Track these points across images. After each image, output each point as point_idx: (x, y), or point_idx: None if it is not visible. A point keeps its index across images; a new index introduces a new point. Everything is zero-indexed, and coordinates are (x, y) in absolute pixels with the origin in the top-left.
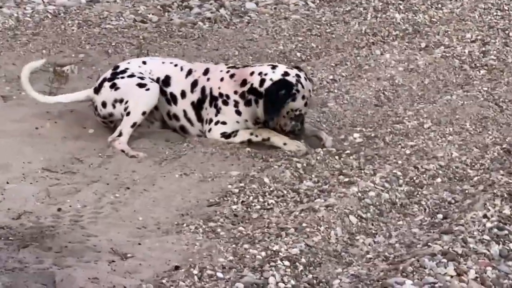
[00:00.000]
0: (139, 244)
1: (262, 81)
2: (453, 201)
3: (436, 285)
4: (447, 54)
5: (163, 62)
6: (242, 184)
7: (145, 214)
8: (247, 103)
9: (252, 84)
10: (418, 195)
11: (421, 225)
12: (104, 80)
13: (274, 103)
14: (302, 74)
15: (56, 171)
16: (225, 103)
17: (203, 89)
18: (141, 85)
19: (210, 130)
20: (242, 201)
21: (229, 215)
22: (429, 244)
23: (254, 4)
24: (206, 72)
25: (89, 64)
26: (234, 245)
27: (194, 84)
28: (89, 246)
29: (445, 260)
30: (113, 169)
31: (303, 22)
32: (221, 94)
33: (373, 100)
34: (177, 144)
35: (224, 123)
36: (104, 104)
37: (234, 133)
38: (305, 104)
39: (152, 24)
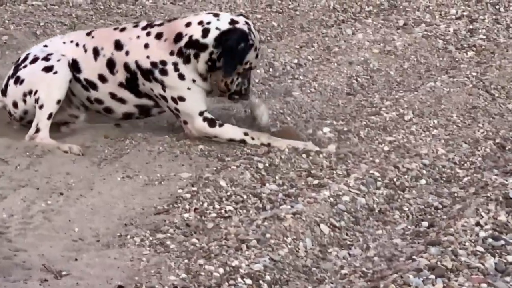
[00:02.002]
0: (76, 259)
1: (206, 31)
2: (440, 206)
3: None
4: (429, 33)
5: (64, 42)
6: (194, 188)
7: (82, 224)
8: (186, 60)
9: (191, 37)
10: (399, 200)
11: (403, 235)
12: (9, 78)
13: (232, 57)
14: (249, 21)
15: None
16: (164, 72)
17: (126, 67)
18: (47, 69)
19: (178, 110)
20: (195, 208)
21: (180, 224)
22: (413, 257)
23: None
24: (117, 45)
25: (14, 47)
26: (186, 261)
27: (111, 64)
28: (17, 262)
29: (433, 276)
30: (44, 171)
31: None
32: (154, 64)
33: (345, 88)
34: (118, 141)
35: (181, 98)
36: (15, 104)
37: (219, 121)
38: (256, 56)
39: (87, 0)
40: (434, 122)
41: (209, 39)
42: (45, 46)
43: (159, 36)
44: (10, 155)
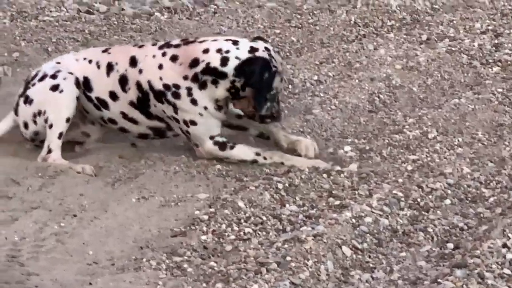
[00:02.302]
0: (90, 284)
1: (225, 60)
2: (465, 227)
3: None
4: (453, 48)
5: (76, 60)
6: (212, 210)
7: (96, 247)
8: (202, 86)
9: (208, 64)
10: (423, 221)
11: (428, 257)
12: (19, 97)
13: (262, 90)
14: (269, 46)
15: None
16: (177, 95)
17: (139, 85)
18: (54, 88)
19: (188, 132)
20: (213, 230)
21: (198, 247)
22: (438, 280)
23: None
24: (133, 62)
25: (25, 64)
26: (204, 285)
27: (123, 81)
28: (30, 287)
29: None
30: (57, 192)
31: (280, 11)
32: (166, 86)
33: (367, 105)
34: (133, 161)
35: (193, 122)
36: (26, 125)
37: (231, 143)
38: (281, 80)
39: (100, 15)
40: (458, 140)
41: (229, 68)
42: (58, 63)
43: (174, 58)
44: (22, 176)
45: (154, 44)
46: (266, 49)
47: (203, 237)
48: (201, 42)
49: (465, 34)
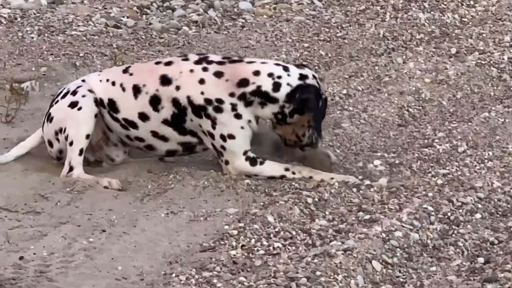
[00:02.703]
0: None
1: (277, 85)
2: (496, 242)
3: None
4: (483, 62)
5: (100, 80)
6: (241, 224)
7: (125, 263)
8: (248, 104)
9: (260, 87)
10: (454, 235)
11: (458, 271)
12: (45, 114)
13: (319, 119)
14: (315, 73)
15: (16, 211)
16: (218, 110)
17: (175, 102)
18: (73, 105)
19: (224, 148)
20: (242, 245)
21: (227, 262)
22: None
23: (249, 3)
24: (166, 81)
25: (53, 79)
26: None
27: (155, 101)
28: None
29: None
30: (85, 207)
31: (309, 24)
32: (208, 101)
33: (396, 119)
34: (161, 176)
35: (231, 136)
36: (50, 144)
37: (260, 160)
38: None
39: (128, 29)
40: (489, 154)
41: (280, 94)
42: (83, 81)
43: (218, 74)
44: (50, 191)
45: (185, 59)
46: (314, 76)
47: (233, 252)
48: (249, 62)
49: (495, 47)
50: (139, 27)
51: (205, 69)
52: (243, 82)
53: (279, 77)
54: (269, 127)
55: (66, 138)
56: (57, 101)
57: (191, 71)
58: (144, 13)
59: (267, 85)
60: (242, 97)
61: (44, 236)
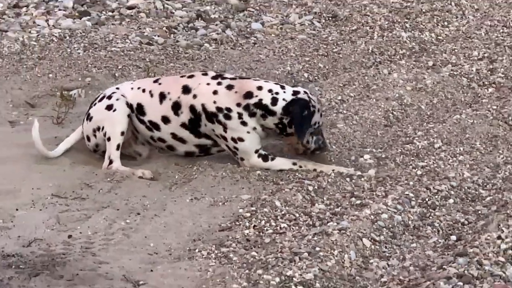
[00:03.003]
0: (151, 270)
1: (275, 100)
2: (466, 222)
3: None
4: (455, 73)
5: (131, 88)
6: (253, 208)
7: (156, 240)
8: (252, 115)
9: (261, 100)
10: (431, 217)
11: (435, 247)
12: (84, 117)
13: (301, 125)
14: (306, 90)
15: (65, 197)
16: (228, 117)
17: (192, 108)
18: (109, 107)
19: (237, 148)
20: (254, 226)
21: (242, 240)
22: (444, 267)
23: (260, 24)
24: (185, 90)
25: (96, 87)
26: (247, 271)
27: (176, 106)
28: (101, 273)
29: (460, 283)
30: (123, 194)
31: (310, 42)
32: (219, 109)
33: (382, 120)
34: (186, 168)
35: (241, 139)
36: (88, 138)
37: (271, 156)
38: (321, 116)
39: (158, 46)
40: (460, 149)
41: (278, 108)
42: (117, 88)
43: (229, 87)
44: (94, 180)
45: (204, 74)
46: (305, 92)
47: (246, 231)
48: (255, 80)
49: (465, 60)
50: (168, 44)
51: (219, 84)
52: (249, 95)
53: (277, 93)
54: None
55: (105, 135)
56: (95, 103)
57: (208, 84)
58: (172, 32)
59: (267, 99)
60: (246, 107)
61: (89, 218)
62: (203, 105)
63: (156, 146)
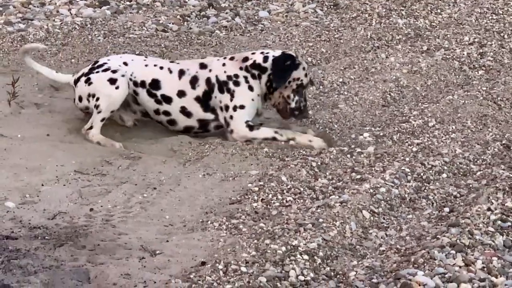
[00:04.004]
0: (167, 241)
1: (266, 58)
2: (458, 195)
3: (446, 275)
4: (447, 56)
5: (146, 65)
6: (261, 183)
7: (171, 213)
8: (254, 77)
9: (255, 61)
10: (425, 190)
11: (429, 219)
12: (82, 74)
13: (281, 71)
14: (296, 53)
15: (87, 173)
16: (237, 83)
17: (208, 80)
18: (112, 81)
19: (232, 117)
20: (262, 199)
21: (250, 212)
22: (438, 236)
23: (267, 12)
24: (202, 66)
25: None
26: (256, 241)
27: (194, 80)
28: (120, 244)
29: (453, 252)
30: (141, 170)
31: (313, 28)
32: (229, 77)
33: (381, 101)
34: (199, 145)
35: (242, 106)
36: (80, 99)
37: (257, 126)
38: (306, 75)
39: (173, 33)
40: (452, 128)
41: (268, 63)
42: (125, 64)
43: (232, 58)
44: (114, 158)
45: (216, 57)
46: (294, 53)
47: (254, 204)
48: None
49: (457, 45)
50: (182, 31)
51: (224, 58)
52: (245, 59)
53: (267, 53)
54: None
55: (96, 106)
56: (98, 71)
57: (218, 60)
58: (186, 20)
59: (259, 59)
60: (247, 69)
61: (109, 192)
62: (216, 76)
63: (155, 119)
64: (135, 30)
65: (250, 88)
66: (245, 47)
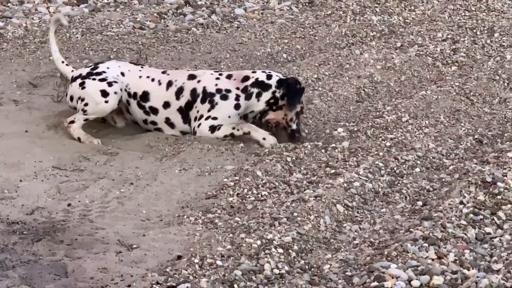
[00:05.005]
0: (144, 235)
1: (269, 76)
2: (431, 189)
3: (419, 268)
4: (421, 53)
5: (140, 77)
6: (237, 178)
7: (148, 208)
8: (248, 97)
9: (257, 78)
10: (399, 184)
11: (402, 212)
12: (79, 76)
13: (296, 92)
14: None
15: (65, 169)
16: (225, 97)
17: (193, 91)
18: (104, 94)
19: (199, 125)
20: (238, 194)
21: (226, 206)
22: (411, 229)
23: (243, 10)
24: (191, 77)
25: None
26: (231, 235)
27: (180, 91)
28: (98, 238)
29: (426, 245)
30: (118, 166)
31: (288, 25)
32: (219, 90)
33: (355, 96)
34: (175, 141)
35: (214, 118)
36: (71, 98)
37: (218, 126)
38: (302, 102)
39: (150, 30)
40: (425, 123)
41: (272, 81)
42: (122, 74)
43: (229, 76)
44: (91, 153)
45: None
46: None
47: (230, 199)
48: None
49: (430, 41)
50: (159, 28)
51: (220, 74)
52: (246, 78)
53: (270, 72)
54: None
55: (83, 109)
56: (94, 78)
57: (211, 74)
58: (163, 18)
59: (262, 76)
60: (244, 89)
61: (86, 188)
62: (204, 88)
63: (145, 128)
64: (112, 27)
65: (236, 107)
66: (221, 44)
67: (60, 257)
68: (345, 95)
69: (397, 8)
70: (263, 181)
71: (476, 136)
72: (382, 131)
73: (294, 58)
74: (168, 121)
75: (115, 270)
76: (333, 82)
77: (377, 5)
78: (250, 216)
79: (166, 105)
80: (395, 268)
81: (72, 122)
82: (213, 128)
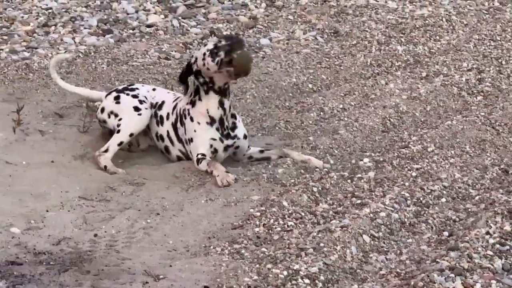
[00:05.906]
0: (170, 266)
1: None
2: (457, 219)
3: None
4: (446, 82)
5: (168, 92)
6: (263, 208)
7: (175, 238)
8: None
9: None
10: (425, 215)
11: (429, 242)
12: (115, 90)
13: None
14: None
15: (91, 199)
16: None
17: (175, 108)
18: (136, 109)
19: (191, 152)
20: (264, 224)
21: (252, 237)
22: (437, 260)
23: (268, 40)
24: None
25: None
26: (258, 265)
27: (175, 106)
28: (124, 268)
29: (452, 275)
30: (144, 196)
31: (313, 55)
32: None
33: (380, 126)
34: (201, 171)
35: (191, 139)
36: (102, 110)
37: (200, 160)
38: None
39: (175, 60)
40: (451, 153)
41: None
42: (154, 89)
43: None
44: (117, 184)
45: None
46: None
47: (256, 229)
48: None
49: (455, 71)
50: (184, 58)
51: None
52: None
53: None
54: None
55: (118, 126)
56: (128, 94)
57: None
58: (188, 48)
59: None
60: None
61: (113, 218)
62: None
63: (157, 146)
64: (138, 58)
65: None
66: (248, 75)
67: (87, 287)
68: (370, 125)
69: (422, 38)
70: (289, 212)
71: (502, 166)
72: (408, 161)
73: (319, 88)
74: (168, 135)
75: None
76: (359, 112)
77: (402, 35)
78: (277, 246)
79: (168, 116)
80: None
81: (106, 150)
82: (198, 161)
